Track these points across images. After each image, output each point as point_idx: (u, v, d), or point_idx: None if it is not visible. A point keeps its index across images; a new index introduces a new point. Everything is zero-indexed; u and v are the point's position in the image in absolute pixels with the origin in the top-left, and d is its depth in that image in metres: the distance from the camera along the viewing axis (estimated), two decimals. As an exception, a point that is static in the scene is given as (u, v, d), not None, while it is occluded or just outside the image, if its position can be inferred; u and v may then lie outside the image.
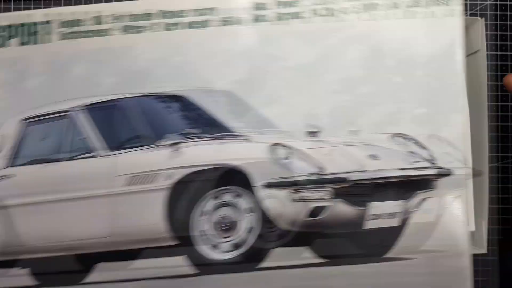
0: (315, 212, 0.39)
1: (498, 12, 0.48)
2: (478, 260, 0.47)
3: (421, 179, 0.40)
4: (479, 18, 0.41)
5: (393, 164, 0.40)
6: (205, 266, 0.40)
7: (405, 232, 0.40)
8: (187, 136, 0.41)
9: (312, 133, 0.40)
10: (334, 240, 0.40)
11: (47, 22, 0.43)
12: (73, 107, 0.43)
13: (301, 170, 0.39)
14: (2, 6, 0.49)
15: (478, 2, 0.48)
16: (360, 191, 0.39)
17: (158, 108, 0.43)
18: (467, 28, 0.43)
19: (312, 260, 0.40)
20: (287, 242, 0.39)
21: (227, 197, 0.41)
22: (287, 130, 0.41)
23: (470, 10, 0.48)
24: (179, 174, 0.40)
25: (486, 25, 0.47)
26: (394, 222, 0.40)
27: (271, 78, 0.41)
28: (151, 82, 0.42)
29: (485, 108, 0.41)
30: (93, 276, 0.41)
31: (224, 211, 0.41)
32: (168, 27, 0.41)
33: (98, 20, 0.42)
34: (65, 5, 0.49)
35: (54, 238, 0.42)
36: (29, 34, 0.43)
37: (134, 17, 0.42)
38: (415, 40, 0.40)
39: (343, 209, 0.39)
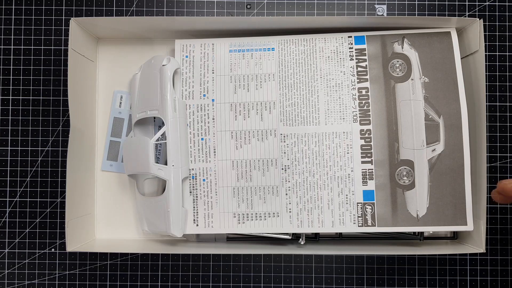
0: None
1: (497, 13, 0.48)
2: (477, 259, 0.47)
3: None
4: (477, 19, 0.41)
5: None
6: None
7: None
8: None
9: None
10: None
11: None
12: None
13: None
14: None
15: (477, 3, 0.48)
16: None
17: None
18: (466, 29, 0.43)
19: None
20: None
21: None
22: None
23: (469, 11, 0.48)
24: None
25: (484, 25, 0.47)
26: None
27: None
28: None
29: (483, 108, 0.41)
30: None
31: None
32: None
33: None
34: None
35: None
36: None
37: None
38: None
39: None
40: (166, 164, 0.43)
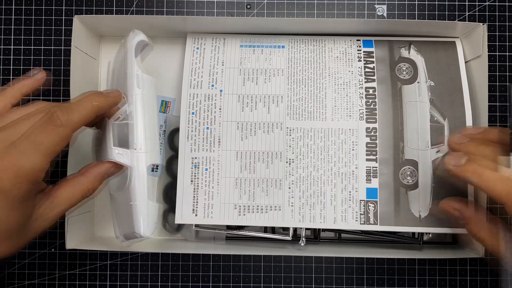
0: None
1: (497, 13, 0.48)
2: (477, 260, 0.47)
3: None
4: (481, 24, 0.41)
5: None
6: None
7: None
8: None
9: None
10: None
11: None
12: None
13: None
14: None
15: (477, 3, 0.48)
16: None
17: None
18: (469, 33, 0.43)
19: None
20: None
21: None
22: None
23: (469, 10, 0.48)
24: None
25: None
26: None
27: None
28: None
29: (485, 114, 0.41)
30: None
31: None
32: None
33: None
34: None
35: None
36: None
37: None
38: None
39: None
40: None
